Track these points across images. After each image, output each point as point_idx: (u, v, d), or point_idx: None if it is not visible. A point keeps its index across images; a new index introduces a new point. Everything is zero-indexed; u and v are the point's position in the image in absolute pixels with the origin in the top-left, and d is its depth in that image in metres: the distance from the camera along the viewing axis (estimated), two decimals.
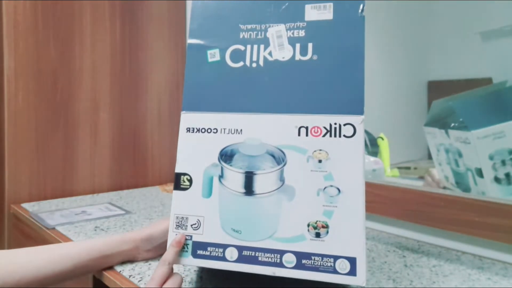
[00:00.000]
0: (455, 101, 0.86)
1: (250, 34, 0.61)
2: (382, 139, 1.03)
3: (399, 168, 1.01)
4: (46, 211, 1.03)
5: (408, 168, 1.00)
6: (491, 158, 0.78)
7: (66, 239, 0.83)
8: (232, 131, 0.58)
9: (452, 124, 0.83)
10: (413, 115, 0.99)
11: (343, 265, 0.51)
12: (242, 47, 0.60)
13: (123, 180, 1.32)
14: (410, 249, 0.80)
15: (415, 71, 0.99)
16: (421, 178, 0.96)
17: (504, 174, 0.77)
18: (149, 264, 0.70)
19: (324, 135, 0.55)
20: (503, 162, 0.77)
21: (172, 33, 1.42)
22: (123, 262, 0.69)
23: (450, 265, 0.72)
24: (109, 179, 1.29)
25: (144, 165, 1.37)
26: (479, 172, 0.79)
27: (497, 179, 0.78)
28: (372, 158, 1.00)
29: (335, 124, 0.55)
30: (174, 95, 1.43)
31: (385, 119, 1.04)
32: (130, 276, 0.65)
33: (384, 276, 0.66)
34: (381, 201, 0.89)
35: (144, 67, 1.35)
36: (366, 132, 1.02)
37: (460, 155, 0.83)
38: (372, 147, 1.02)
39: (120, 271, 0.67)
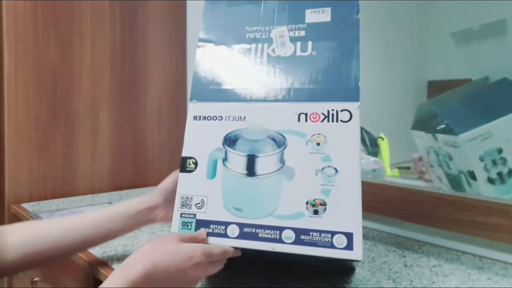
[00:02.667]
0: (438, 106, 0.86)
1: (255, 35, 0.66)
2: (382, 139, 1.03)
3: (399, 168, 1.01)
4: (46, 211, 1.03)
5: (408, 168, 1.00)
6: (481, 159, 0.78)
7: None
8: (236, 118, 0.61)
9: (438, 127, 0.84)
10: (413, 115, 0.99)
11: (340, 240, 0.53)
12: (247, 46, 0.66)
13: (123, 180, 1.32)
14: (410, 249, 0.80)
15: (415, 71, 0.99)
16: (421, 178, 0.96)
17: (497, 173, 0.77)
18: None
19: (322, 121, 0.58)
20: (494, 162, 0.77)
21: (172, 33, 1.42)
22: None
23: (450, 265, 0.72)
24: (109, 179, 1.29)
25: (144, 165, 1.37)
26: (472, 175, 0.79)
27: (490, 180, 0.78)
28: (372, 158, 1.00)
29: (333, 110, 0.58)
30: (174, 94, 1.43)
31: (385, 119, 1.04)
32: None
33: (384, 276, 0.66)
34: (381, 201, 0.89)
35: (144, 67, 1.35)
36: (366, 132, 1.02)
37: (450, 158, 0.83)
38: (372, 147, 1.02)
39: None
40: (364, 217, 0.94)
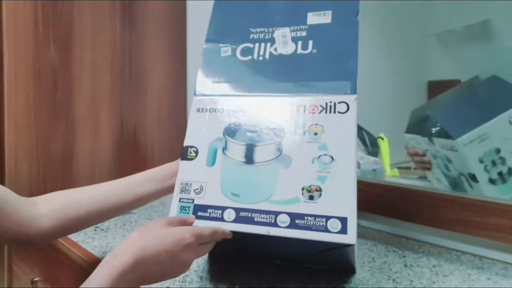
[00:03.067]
0: (432, 111, 0.86)
1: (259, 35, 0.69)
2: (382, 139, 1.02)
3: (399, 168, 1.01)
4: None
5: (408, 168, 1.00)
6: (481, 161, 0.78)
7: (66, 239, 0.83)
8: (237, 110, 0.64)
9: (433, 130, 0.83)
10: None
11: (334, 224, 0.53)
12: (251, 45, 0.69)
13: None
14: (410, 249, 0.80)
15: (415, 71, 0.99)
16: (421, 178, 0.96)
17: (497, 173, 0.77)
18: None
19: (320, 112, 0.60)
20: (493, 163, 0.77)
21: (172, 33, 1.42)
22: None
23: (450, 265, 0.72)
24: (109, 179, 1.28)
25: (144, 165, 1.37)
26: (473, 177, 0.79)
27: (491, 181, 0.78)
28: (372, 158, 1.00)
29: (331, 102, 0.60)
30: (174, 94, 1.43)
31: (385, 119, 1.04)
32: None
33: (384, 276, 0.66)
34: (381, 201, 0.89)
35: (144, 67, 1.35)
36: (366, 132, 1.02)
37: (449, 160, 0.83)
38: (372, 147, 1.02)
39: None
40: (364, 217, 0.94)
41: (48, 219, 0.62)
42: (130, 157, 1.34)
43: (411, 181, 0.96)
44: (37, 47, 1.14)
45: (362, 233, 0.89)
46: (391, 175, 1.01)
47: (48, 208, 0.63)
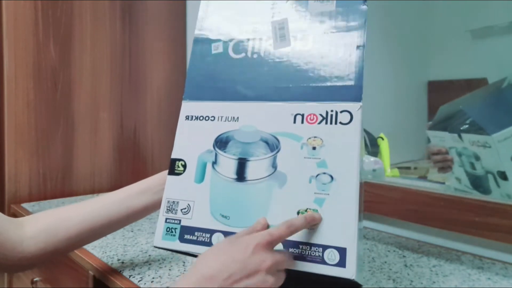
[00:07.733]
0: (467, 106, 0.84)
1: (254, 27, 0.61)
2: (382, 139, 1.03)
3: (399, 168, 1.01)
4: None
5: (408, 168, 1.00)
6: None
7: None
8: (229, 119, 0.58)
9: (466, 127, 0.82)
10: (413, 115, 0.99)
11: (332, 255, 0.48)
12: (245, 40, 0.62)
13: (123, 180, 1.32)
14: (410, 249, 0.80)
15: (415, 71, 0.99)
16: (421, 178, 0.96)
17: None
18: (149, 264, 0.70)
19: (319, 122, 0.54)
20: None
21: (172, 33, 1.42)
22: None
23: (450, 265, 0.72)
24: (109, 179, 1.29)
25: (144, 165, 1.37)
26: (502, 175, 0.78)
27: None
28: (372, 158, 1.00)
29: (332, 111, 0.54)
30: (174, 95, 1.43)
31: (385, 119, 1.04)
32: (130, 276, 0.65)
33: (384, 276, 0.66)
34: (381, 201, 0.89)
35: (144, 67, 1.35)
36: (366, 132, 1.02)
37: (477, 158, 0.81)
38: (372, 147, 1.02)
39: (120, 271, 0.67)
40: (364, 217, 0.94)
41: (35, 242, 0.57)
42: (130, 157, 1.34)
43: (411, 181, 0.96)
44: (37, 47, 1.14)
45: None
46: (391, 175, 1.01)
47: (35, 229, 0.58)
